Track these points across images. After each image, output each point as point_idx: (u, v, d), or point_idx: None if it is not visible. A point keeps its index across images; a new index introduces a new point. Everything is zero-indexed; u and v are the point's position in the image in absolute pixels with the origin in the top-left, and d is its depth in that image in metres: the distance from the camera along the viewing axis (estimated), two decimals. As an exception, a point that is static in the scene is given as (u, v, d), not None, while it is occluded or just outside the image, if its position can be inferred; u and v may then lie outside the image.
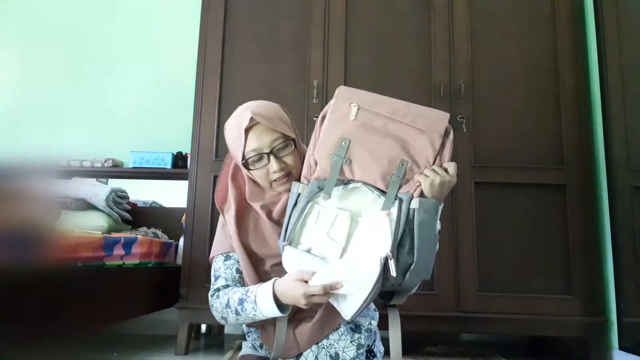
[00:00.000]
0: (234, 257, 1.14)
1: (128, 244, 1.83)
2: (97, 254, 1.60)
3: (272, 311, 1.00)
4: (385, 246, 0.94)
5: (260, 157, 1.06)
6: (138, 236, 1.99)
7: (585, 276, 2.01)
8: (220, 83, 2.22)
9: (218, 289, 1.13)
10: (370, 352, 1.08)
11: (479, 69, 2.20)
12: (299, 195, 1.04)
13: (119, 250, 1.75)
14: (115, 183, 2.75)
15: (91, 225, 2.23)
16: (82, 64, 3.05)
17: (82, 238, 1.52)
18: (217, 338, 2.60)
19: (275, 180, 1.08)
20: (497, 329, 2.04)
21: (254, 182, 1.13)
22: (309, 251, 1.00)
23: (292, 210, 1.03)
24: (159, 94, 2.99)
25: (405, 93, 2.20)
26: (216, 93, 2.21)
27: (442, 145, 0.99)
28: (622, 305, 1.92)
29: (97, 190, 2.37)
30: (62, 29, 3.10)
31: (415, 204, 0.97)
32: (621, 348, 1.90)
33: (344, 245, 0.98)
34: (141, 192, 2.82)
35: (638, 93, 2.07)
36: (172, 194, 2.82)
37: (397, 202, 0.98)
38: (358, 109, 1.01)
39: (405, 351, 2.13)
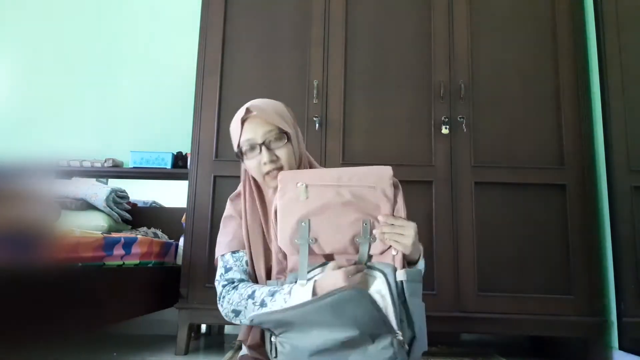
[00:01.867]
0: (241, 252, 1.14)
1: (128, 244, 1.83)
2: (97, 254, 1.60)
3: (307, 289, 0.99)
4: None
5: (252, 147, 1.09)
6: (138, 236, 1.99)
7: (585, 276, 2.01)
8: (220, 83, 2.22)
9: (233, 281, 1.11)
10: None
11: (479, 69, 2.20)
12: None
13: (119, 250, 1.75)
14: (115, 183, 2.75)
15: (91, 225, 2.23)
16: (82, 64, 3.05)
17: (82, 238, 1.52)
18: (217, 338, 2.60)
19: (267, 174, 1.09)
20: (497, 329, 2.03)
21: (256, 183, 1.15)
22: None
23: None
24: (159, 94, 2.99)
25: (405, 93, 2.21)
26: (216, 93, 2.21)
27: (395, 199, 1.01)
28: (622, 305, 1.92)
29: (97, 190, 2.37)
30: (62, 29, 3.10)
31: (401, 275, 0.96)
32: (621, 348, 1.90)
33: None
34: (141, 192, 2.82)
35: (638, 93, 2.07)
36: (172, 194, 2.82)
37: (380, 274, 0.98)
38: (306, 187, 1.01)
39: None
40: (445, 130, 2.12)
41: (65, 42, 3.08)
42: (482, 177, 2.11)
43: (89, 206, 2.36)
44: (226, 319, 1.09)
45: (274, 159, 1.08)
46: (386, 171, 1.02)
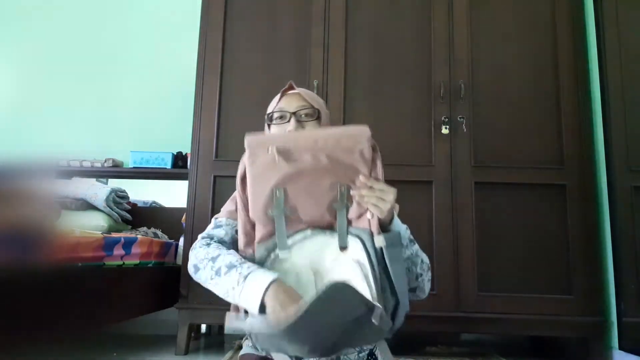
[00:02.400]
0: (233, 223, 1.09)
1: (128, 244, 1.83)
2: (97, 254, 1.60)
3: (253, 300, 0.88)
4: (364, 294, 0.85)
5: (283, 115, 1.10)
6: (138, 236, 1.99)
7: (585, 276, 2.01)
8: (220, 83, 2.22)
9: (213, 237, 1.06)
10: (371, 354, 1.08)
11: (479, 69, 2.20)
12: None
13: (119, 250, 1.75)
14: (115, 183, 2.75)
15: (91, 225, 2.23)
16: (82, 64, 3.05)
17: (82, 238, 1.52)
18: (217, 338, 2.60)
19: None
20: (497, 329, 2.03)
21: None
22: None
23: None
24: (159, 94, 2.99)
25: (405, 93, 2.21)
26: (216, 93, 2.21)
27: (373, 161, 0.94)
28: (622, 305, 1.92)
29: (97, 190, 2.37)
30: (62, 29, 3.10)
31: (380, 241, 0.91)
32: (621, 348, 1.90)
33: None
34: (141, 192, 2.82)
35: (638, 93, 2.07)
36: (172, 194, 2.82)
37: (357, 240, 0.93)
38: (278, 151, 0.92)
39: (405, 351, 2.14)
40: (445, 130, 2.12)
41: (65, 42, 3.08)
42: (482, 177, 2.11)
43: (89, 206, 2.36)
44: (189, 271, 1.04)
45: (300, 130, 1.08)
46: (364, 132, 0.93)
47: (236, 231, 1.05)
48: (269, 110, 1.15)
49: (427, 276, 1.10)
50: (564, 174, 2.09)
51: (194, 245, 1.06)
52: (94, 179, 2.73)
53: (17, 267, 1.12)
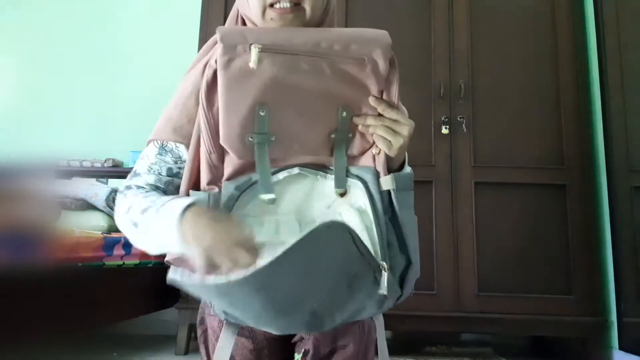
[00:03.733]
0: (174, 152, 0.80)
1: (128, 244, 1.83)
2: (97, 254, 1.60)
3: (168, 232, 0.66)
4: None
5: None
6: (138, 236, 1.99)
7: (585, 276, 2.00)
8: (220, 83, 2.22)
9: (130, 187, 0.78)
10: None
11: (479, 69, 2.20)
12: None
13: (119, 251, 1.75)
14: (115, 183, 2.75)
15: (91, 225, 2.23)
16: (81, 64, 3.05)
17: (82, 238, 1.52)
18: (217, 338, 2.59)
19: (271, 6, 0.72)
20: (497, 329, 2.04)
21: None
22: None
23: None
24: (159, 94, 2.98)
25: (405, 93, 2.20)
26: (216, 93, 2.21)
27: (388, 79, 0.72)
28: (622, 305, 1.92)
29: (97, 190, 2.37)
30: (62, 29, 3.09)
31: (388, 183, 0.70)
32: (621, 348, 1.90)
33: None
34: (141, 192, 2.81)
35: (638, 93, 2.07)
36: (172, 194, 2.82)
37: (358, 182, 0.71)
38: (264, 52, 0.65)
39: (405, 351, 2.14)
40: (445, 130, 2.12)
41: (65, 41, 3.08)
42: (482, 177, 2.11)
43: (89, 206, 2.35)
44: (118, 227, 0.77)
45: None
46: (382, 37, 0.70)
47: (168, 170, 0.79)
48: None
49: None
50: (564, 174, 2.09)
51: (116, 204, 0.78)
52: (94, 179, 2.72)
53: (17, 267, 1.12)
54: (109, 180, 2.85)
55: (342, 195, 0.73)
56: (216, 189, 0.71)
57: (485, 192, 2.10)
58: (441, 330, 2.05)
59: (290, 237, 0.58)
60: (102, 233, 1.72)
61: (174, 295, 2.07)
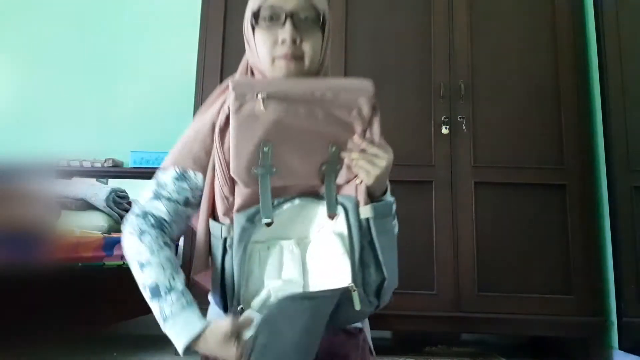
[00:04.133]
0: (192, 180, 0.88)
1: (128, 244, 1.83)
2: (97, 254, 1.60)
3: (178, 343, 0.80)
4: (346, 270, 0.79)
5: (276, 15, 0.86)
6: (138, 236, 1.98)
7: (585, 276, 2.00)
8: (219, 83, 2.22)
9: (147, 215, 0.87)
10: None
11: (479, 69, 2.20)
12: (225, 240, 0.82)
13: (119, 251, 1.75)
14: (115, 183, 2.75)
15: (91, 225, 2.23)
16: (82, 64, 3.05)
17: (82, 238, 1.52)
18: (217, 338, 2.59)
19: (278, 57, 0.86)
20: (497, 329, 2.04)
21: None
22: (266, 303, 0.80)
23: (223, 261, 0.83)
24: (159, 94, 2.99)
25: (405, 93, 2.21)
26: (216, 93, 2.21)
27: (370, 121, 0.83)
28: (622, 305, 1.92)
29: (97, 190, 2.37)
30: (62, 29, 3.09)
31: (368, 212, 0.81)
32: (621, 348, 1.90)
33: (303, 282, 0.83)
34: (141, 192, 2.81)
35: (638, 93, 2.07)
36: (172, 194, 2.82)
37: (341, 210, 0.83)
38: (269, 99, 0.78)
39: (405, 351, 2.14)
40: (445, 130, 2.12)
41: (65, 42, 3.07)
42: (482, 177, 2.11)
43: (89, 206, 2.35)
44: (124, 251, 0.88)
45: (295, 39, 0.85)
46: (366, 87, 0.84)
47: (185, 199, 0.88)
48: (254, 4, 0.91)
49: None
50: (564, 174, 2.09)
51: (124, 225, 0.87)
52: (94, 179, 2.72)
53: (17, 267, 1.12)
54: (109, 180, 2.85)
55: (332, 217, 0.85)
56: (228, 221, 0.83)
57: (485, 192, 2.10)
58: (441, 330, 2.05)
59: (292, 262, 0.83)
60: (102, 233, 1.72)
61: (174, 295, 2.07)
